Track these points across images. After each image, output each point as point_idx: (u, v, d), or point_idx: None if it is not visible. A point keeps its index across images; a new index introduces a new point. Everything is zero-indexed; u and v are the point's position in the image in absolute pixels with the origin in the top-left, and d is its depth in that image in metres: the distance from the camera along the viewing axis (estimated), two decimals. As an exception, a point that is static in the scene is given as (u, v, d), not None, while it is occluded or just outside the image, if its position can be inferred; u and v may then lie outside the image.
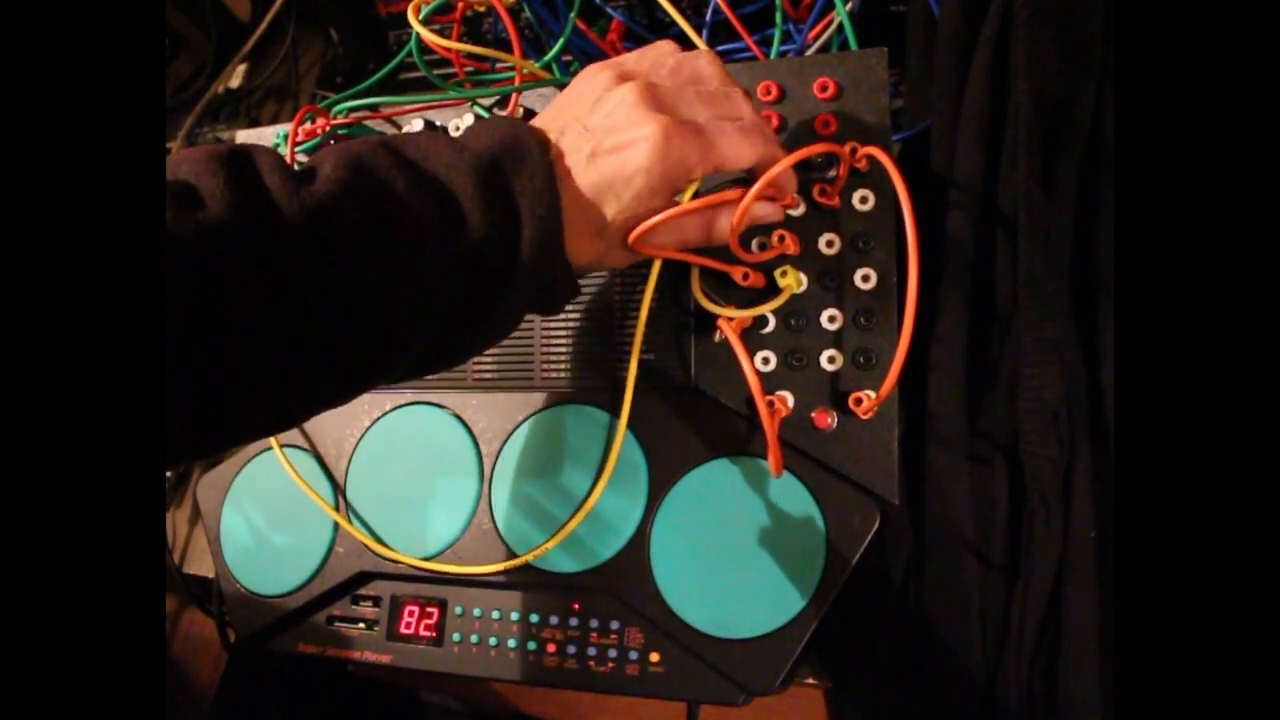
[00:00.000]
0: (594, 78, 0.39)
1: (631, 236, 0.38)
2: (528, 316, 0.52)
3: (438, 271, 0.34)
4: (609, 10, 0.60)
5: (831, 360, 0.44)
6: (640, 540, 0.46)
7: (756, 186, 0.38)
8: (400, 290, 0.33)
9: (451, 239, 0.34)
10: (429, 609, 0.51)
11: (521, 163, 0.35)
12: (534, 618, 0.49)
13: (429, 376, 0.51)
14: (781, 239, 0.44)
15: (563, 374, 0.51)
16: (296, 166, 0.34)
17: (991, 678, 0.43)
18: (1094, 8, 0.42)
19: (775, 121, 0.46)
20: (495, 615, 0.50)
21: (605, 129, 0.36)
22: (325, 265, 0.32)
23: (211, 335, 0.30)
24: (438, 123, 0.55)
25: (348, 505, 0.54)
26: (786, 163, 0.38)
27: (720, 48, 0.57)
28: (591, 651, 0.47)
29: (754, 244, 0.46)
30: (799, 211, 0.46)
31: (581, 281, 0.51)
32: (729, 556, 0.44)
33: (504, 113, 0.53)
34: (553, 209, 0.35)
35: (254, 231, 0.31)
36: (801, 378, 0.45)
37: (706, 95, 0.38)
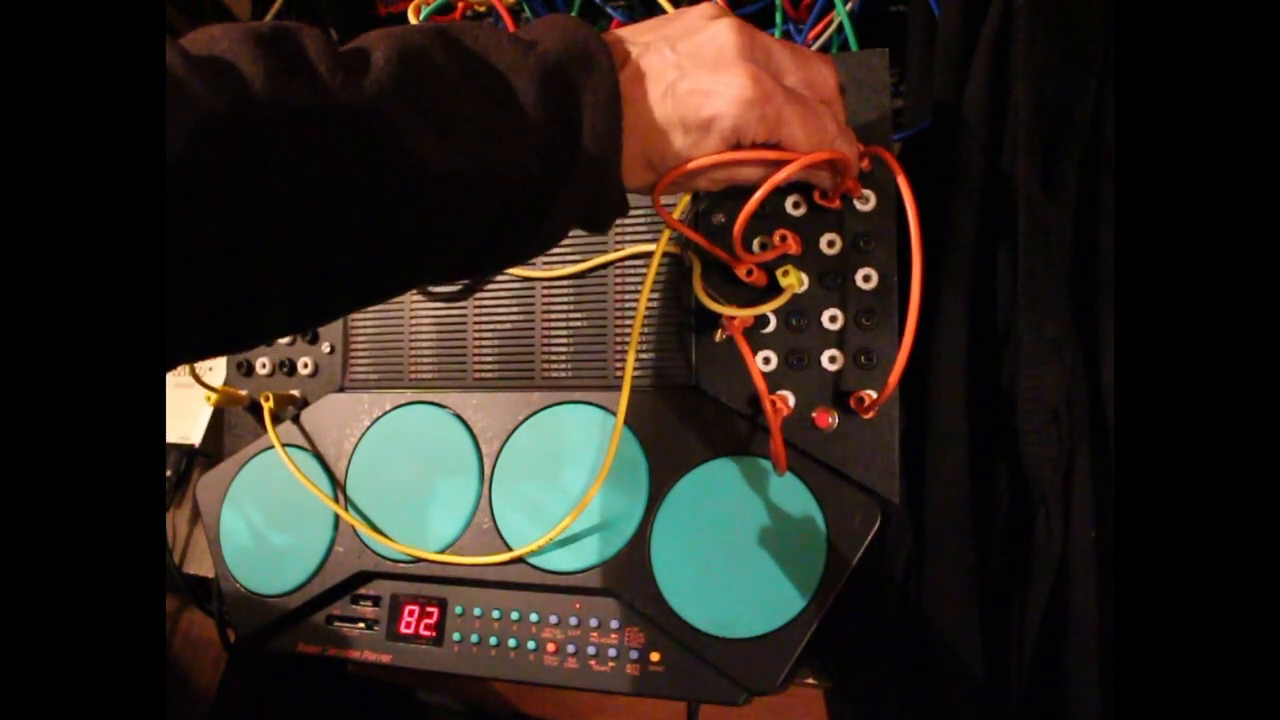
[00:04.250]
0: (696, 7, 0.37)
1: (692, 164, 0.36)
2: (528, 316, 0.52)
3: (488, 176, 0.32)
4: (609, 10, 0.60)
5: (833, 360, 0.45)
6: (641, 539, 0.46)
7: (789, 169, 0.37)
8: (449, 193, 0.32)
9: (505, 143, 0.32)
10: (429, 609, 0.51)
11: (588, 74, 0.33)
12: (534, 617, 0.49)
13: (422, 375, 0.51)
14: (783, 239, 0.44)
15: (563, 373, 0.51)
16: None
17: (992, 678, 0.43)
18: (1094, 7, 0.42)
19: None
20: (495, 615, 0.50)
21: (694, 61, 0.35)
22: (368, 164, 0.30)
23: (243, 221, 0.29)
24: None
25: (348, 504, 0.54)
26: (791, 170, 0.37)
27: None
28: (591, 651, 0.47)
29: (755, 243, 0.46)
30: (800, 212, 0.46)
31: (582, 283, 0.51)
32: (729, 556, 0.44)
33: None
34: (614, 128, 0.33)
35: (296, 121, 0.29)
36: (802, 377, 0.45)
37: (801, 57, 0.37)
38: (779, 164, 0.37)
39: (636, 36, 0.36)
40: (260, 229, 0.29)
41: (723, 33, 0.35)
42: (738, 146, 0.36)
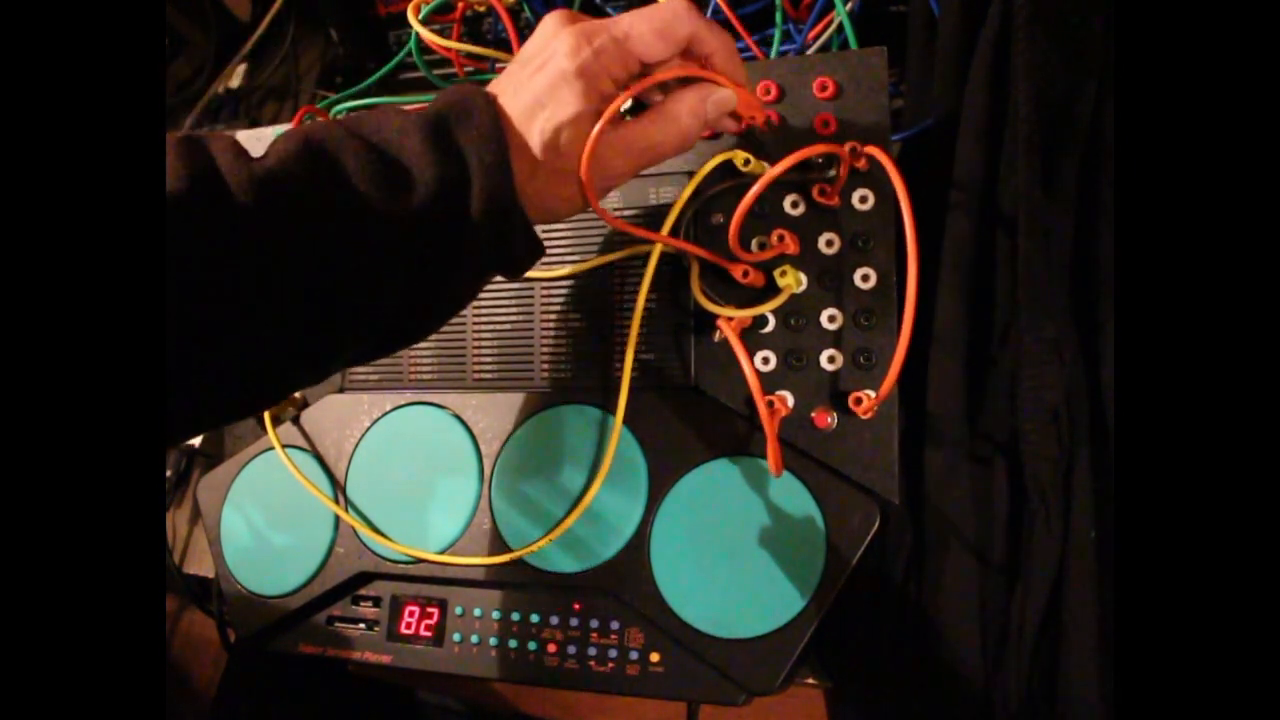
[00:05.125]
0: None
1: (583, 166, 0.36)
2: (527, 317, 0.52)
3: (392, 235, 0.33)
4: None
5: (831, 360, 0.45)
6: (640, 540, 0.46)
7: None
8: (355, 259, 0.33)
9: (402, 201, 0.34)
10: (429, 609, 0.51)
11: (468, 116, 0.35)
12: (534, 618, 0.49)
13: (422, 376, 0.51)
14: (781, 238, 0.44)
15: (563, 374, 0.51)
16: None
17: (991, 678, 0.43)
18: (1094, 7, 0.42)
19: (775, 119, 0.46)
20: (495, 615, 0.50)
21: (531, 55, 0.37)
22: (275, 238, 0.32)
23: (170, 317, 0.29)
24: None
25: (348, 505, 0.54)
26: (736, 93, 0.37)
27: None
28: (591, 651, 0.47)
29: (754, 243, 0.46)
30: (798, 211, 0.46)
31: (582, 282, 0.51)
32: (729, 556, 0.44)
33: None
34: (500, 156, 0.35)
35: (202, 207, 0.31)
36: (801, 377, 0.45)
37: (632, 11, 0.38)
38: (678, 111, 0.38)
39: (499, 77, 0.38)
40: (181, 316, 0.30)
41: (547, 21, 0.37)
42: (601, 98, 0.36)
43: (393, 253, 0.34)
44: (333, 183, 0.33)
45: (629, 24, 0.36)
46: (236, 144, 0.33)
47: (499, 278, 0.53)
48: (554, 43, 0.36)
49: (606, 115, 0.36)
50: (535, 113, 0.36)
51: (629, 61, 0.36)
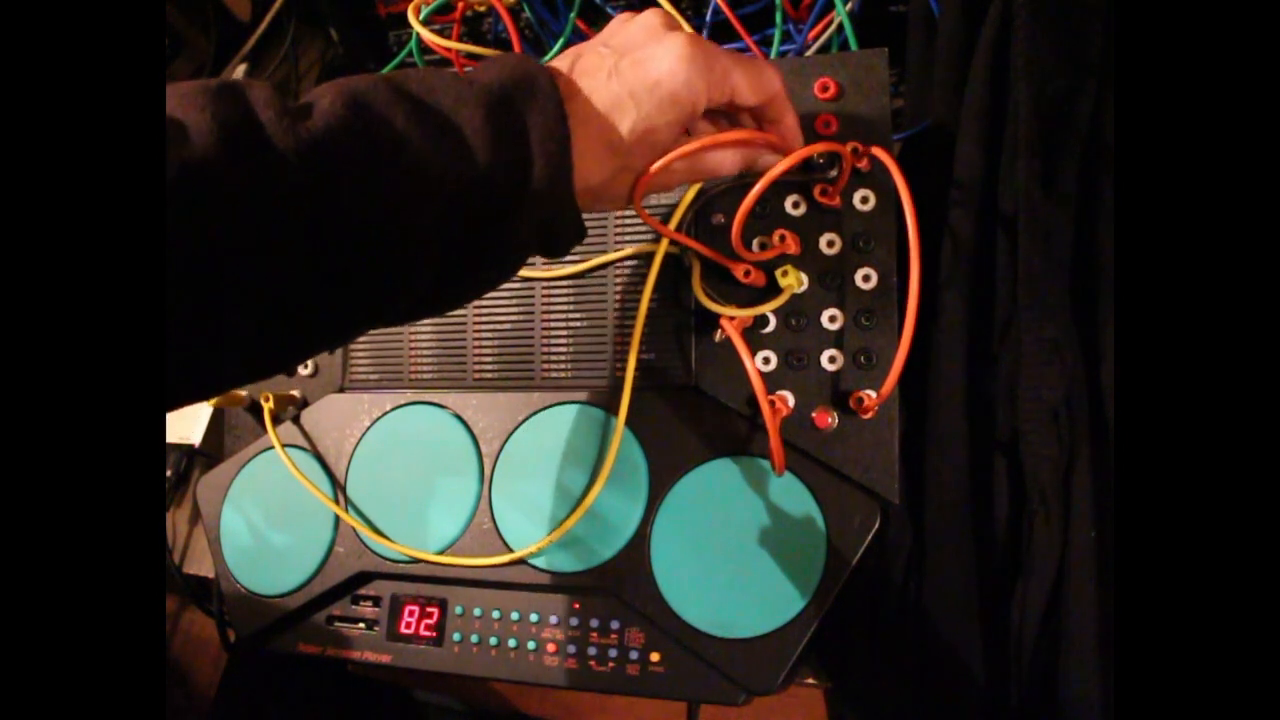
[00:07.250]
0: (617, 19, 0.39)
1: (656, 165, 0.37)
2: (528, 316, 0.52)
3: (439, 207, 0.33)
4: (609, 10, 0.60)
5: (832, 360, 0.45)
6: (641, 540, 0.46)
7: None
8: (400, 228, 0.32)
9: (455, 173, 0.33)
10: (429, 609, 0.51)
11: (532, 96, 0.34)
12: (534, 618, 0.49)
13: (422, 375, 0.51)
14: (782, 238, 0.44)
15: (563, 374, 0.51)
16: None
17: (991, 677, 0.43)
18: (1094, 7, 0.42)
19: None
20: (495, 615, 0.50)
21: (630, 44, 0.36)
22: (321, 202, 0.31)
23: (202, 277, 0.29)
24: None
25: (348, 505, 0.54)
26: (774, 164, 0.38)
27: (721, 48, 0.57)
28: (592, 651, 0.47)
29: (755, 243, 0.46)
30: (799, 211, 0.46)
31: (582, 283, 0.51)
32: (729, 556, 0.44)
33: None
34: (563, 144, 0.34)
35: (245, 168, 0.29)
36: (802, 377, 0.45)
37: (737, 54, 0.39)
38: (744, 141, 0.38)
39: (567, 54, 0.37)
40: (209, 280, 0.29)
41: (648, 16, 0.37)
42: (693, 113, 0.36)
43: (439, 225, 0.33)
44: (385, 149, 0.32)
45: (732, 61, 0.37)
46: (276, 96, 0.31)
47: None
48: (665, 43, 0.35)
49: (698, 145, 0.36)
50: (628, 107, 0.35)
51: (724, 94, 0.37)
